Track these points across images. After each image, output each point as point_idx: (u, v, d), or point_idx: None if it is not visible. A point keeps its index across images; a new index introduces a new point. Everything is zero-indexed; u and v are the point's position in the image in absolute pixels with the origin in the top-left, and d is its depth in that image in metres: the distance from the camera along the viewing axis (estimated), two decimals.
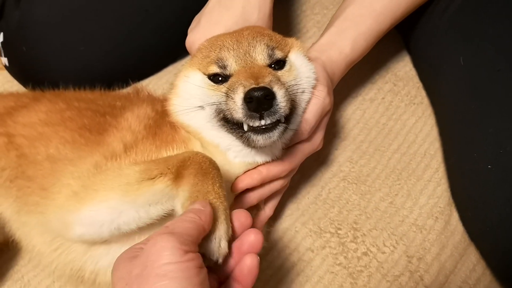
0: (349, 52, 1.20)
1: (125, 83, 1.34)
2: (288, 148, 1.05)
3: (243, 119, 0.88)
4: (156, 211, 0.88)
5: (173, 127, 1.03)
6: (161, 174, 0.87)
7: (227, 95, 0.91)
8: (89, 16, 1.33)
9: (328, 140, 1.36)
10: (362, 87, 1.48)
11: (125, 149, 0.98)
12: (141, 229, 0.90)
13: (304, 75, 1.02)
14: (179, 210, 0.84)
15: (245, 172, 1.01)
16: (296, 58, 1.03)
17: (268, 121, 0.88)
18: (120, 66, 1.37)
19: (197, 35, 1.13)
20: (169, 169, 0.87)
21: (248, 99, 0.86)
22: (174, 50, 1.49)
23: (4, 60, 1.39)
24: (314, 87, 1.05)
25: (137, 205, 0.87)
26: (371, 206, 1.25)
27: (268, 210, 1.11)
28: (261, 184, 1.03)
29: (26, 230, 1.00)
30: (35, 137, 1.03)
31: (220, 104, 0.93)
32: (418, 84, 1.48)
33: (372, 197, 1.26)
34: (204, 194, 0.83)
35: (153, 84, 1.47)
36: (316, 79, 1.05)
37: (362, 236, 1.20)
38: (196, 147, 1.00)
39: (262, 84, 0.87)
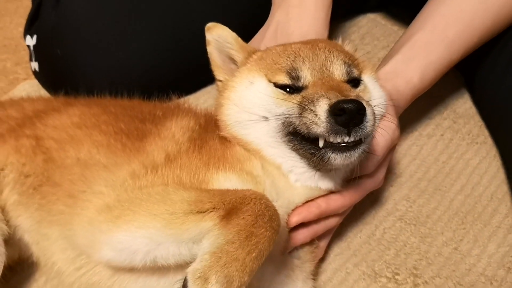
0: (417, 82, 1.10)
1: (164, 96, 1.22)
2: (349, 182, 0.94)
3: (326, 134, 0.78)
4: (199, 250, 0.73)
5: (223, 142, 0.91)
6: (213, 208, 0.73)
7: (303, 106, 0.80)
8: (131, 21, 1.23)
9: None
10: (418, 122, 1.36)
11: (168, 160, 0.86)
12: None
13: (376, 101, 0.92)
14: (198, 254, 0.70)
15: (304, 203, 0.90)
16: (369, 81, 0.94)
17: (353, 138, 0.77)
18: (159, 78, 1.26)
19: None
20: (224, 204, 0.74)
21: (338, 111, 0.75)
22: None
23: (34, 65, 1.30)
24: (383, 117, 0.95)
25: (180, 240, 0.74)
26: (432, 251, 1.11)
27: (321, 246, 1.00)
28: (316, 220, 0.92)
29: (46, 245, 0.87)
30: (65, 140, 0.92)
31: (290, 116, 0.82)
32: (480, 123, 1.37)
33: (434, 241, 1.12)
34: (229, 261, 0.68)
35: (189, 103, 1.36)
36: (386, 109, 0.96)
37: (423, 284, 1.05)
38: (255, 169, 0.88)
39: (352, 97, 0.77)
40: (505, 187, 1.22)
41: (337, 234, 1.11)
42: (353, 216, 1.14)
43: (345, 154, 0.79)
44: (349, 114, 0.75)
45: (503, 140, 1.26)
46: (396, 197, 1.20)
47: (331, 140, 0.78)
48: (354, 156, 0.80)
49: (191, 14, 1.27)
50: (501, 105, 1.24)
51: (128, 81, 1.22)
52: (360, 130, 0.78)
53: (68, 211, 0.83)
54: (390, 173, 1.24)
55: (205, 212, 0.73)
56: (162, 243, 0.74)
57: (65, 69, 1.22)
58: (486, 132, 1.34)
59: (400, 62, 1.11)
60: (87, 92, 1.13)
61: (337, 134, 0.77)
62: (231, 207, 0.73)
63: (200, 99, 1.38)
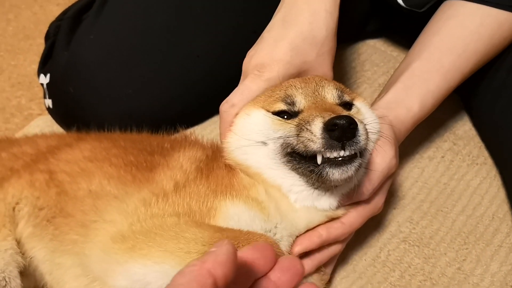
0: (417, 110, 1.13)
1: (171, 129, 1.26)
2: (348, 210, 0.97)
3: (321, 149, 0.83)
4: None
5: (230, 171, 0.96)
6: None
7: (300, 127, 0.86)
8: (139, 59, 1.29)
9: (385, 198, 1.25)
10: (419, 145, 1.39)
11: (176, 188, 0.90)
12: None
13: (368, 120, 0.95)
14: None
15: (306, 231, 0.93)
16: (361, 106, 0.99)
17: (348, 152, 0.83)
18: (166, 111, 1.31)
19: (259, 51, 1.03)
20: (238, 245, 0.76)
21: (331, 126, 0.81)
22: (222, 99, 1.42)
23: (48, 102, 1.35)
24: (380, 146, 0.98)
25: None
26: (436, 272, 1.13)
27: (326, 272, 1.03)
28: (319, 249, 0.95)
29: (60, 274, 0.91)
30: (77, 173, 0.97)
31: (288, 137, 0.88)
32: (480, 144, 1.39)
33: (437, 262, 1.14)
34: None
35: (197, 133, 1.39)
36: (384, 137, 0.99)
37: None
38: (260, 194, 0.92)
39: (344, 113, 0.83)
40: (506, 207, 1.24)
41: (342, 257, 1.13)
42: (357, 239, 1.17)
43: (342, 168, 0.84)
44: (341, 129, 0.81)
45: (502, 160, 1.29)
46: (400, 219, 1.23)
47: (328, 155, 0.83)
48: (351, 169, 0.84)
49: (196, 54, 1.32)
50: (497, 127, 1.27)
51: (137, 116, 1.27)
52: (354, 143, 0.83)
53: (81, 240, 0.87)
54: (392, 196, 1.26)
55: None
56: None
57: (77, 106, 1.28)
58: (486, 153, 1.36)
59: (400, 91, 1.14)
60: (98, 127, 1.19)
61: (332, 148, 0.82)
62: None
63: (207, 129, 1.42)
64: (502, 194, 1.27)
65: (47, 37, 1.40)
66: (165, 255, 0.77)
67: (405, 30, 1.55)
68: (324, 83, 0.96)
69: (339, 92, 0.94)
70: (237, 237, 0.77)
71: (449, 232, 1.20)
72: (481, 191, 1.28)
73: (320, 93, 0.93)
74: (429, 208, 1.25)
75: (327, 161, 0.84)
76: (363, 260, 1.15)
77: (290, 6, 1.06)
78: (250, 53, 1.06)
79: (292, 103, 0.92)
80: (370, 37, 1.70)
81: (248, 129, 0.94)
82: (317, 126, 0.83)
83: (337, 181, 0.86)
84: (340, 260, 1.13)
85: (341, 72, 1.62)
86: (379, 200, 1.03)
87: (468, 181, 1.30)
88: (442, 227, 1.21)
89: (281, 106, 0.92)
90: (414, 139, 1.37)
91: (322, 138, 0.82)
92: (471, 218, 1.23)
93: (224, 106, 1.01)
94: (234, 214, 0.87)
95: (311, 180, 0.88)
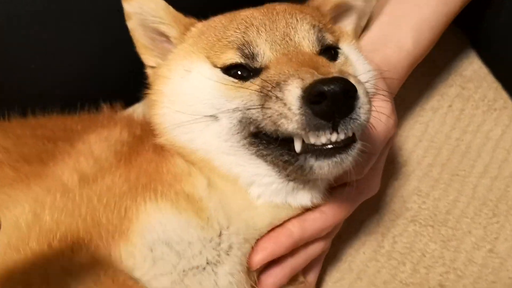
0: (412, 47, 0.94)
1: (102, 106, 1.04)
2: (331, 192, 0.77)
3: (301, 132, 0.62)
4: None
5: (159, 153, 0.77)
6: None
7: (266, 94, 0.64)
8: (43, 24, 1.06)
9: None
10: (418, 94, 1.19)
11: (83, 183, 0.73)
12: None
13: (361, 77, 0.74)
14: None
15: (268, 230, 0.74)
16: (349, 51, 0.79)
17: (342, 136, 0.62)
18: (87, 87, 1.11)
19: None
20: None
21: (315, 97, 0.60)
22: None
23: None
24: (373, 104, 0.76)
25: None
26: (461, 259, 0.95)
27: (310, 282, 0.84)
28: (292, 252, 0.77)
29: None
30: None
31: (249, 109, 0.67)
32: (495, 84, 1.19)
33: (461, 245, 0.97)
34: None
35: (139, 112, 1.15)
36: (375, 89, 0.80)
37: None
38: (198, 189, 0.72)
39: (334, 74, 0.61)
40: None
41: (333, 252, 0.95)
42: (351, 225, 0.99)
43: (334, 159, 0.63)
44: (332, 100, 0.59)
45: None
46: (404, 193, 1.04)
47: (312, 141, 0.62)
48: (347, 160, 0.64)
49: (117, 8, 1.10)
50: None
51: (49, 95, 1.08)
52: (352, 121, 0.61)
53: None
54: (392, 163, 1.07)
55: None
56: None
57: None
58: (504, 95, 1.17)
59: (386, 24, 0.95)
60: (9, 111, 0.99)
61: (318, 130, 0.61)
62: None
63: None
64: None
65: None
66: None
67: None
68: (297, 20, 0.73)
69: (318, 33, 0.73)
70: None
71: (471, 202, 1.02)
72: (505, 143, 1.10)
73: (292, 38, 0.71)
74: (440, 174, 1.07)
75: (311, 149, 0.63)
76: (360, 253, 0.98)
77: None
78: None
79: (252, 56, 0.70)
80: None
81: (188, 95, 0.72)
82: (293, 94, 0.61)
83: (326, 175, 0.67)
84: (331, 257, 0.95)
85: None
86: (374, 177, 0.85)
87: (487, 133, 1.12)
88: (461, 196, 1.03)
89: (235, 58, 0.70)
90: (412, 87, 1.18)
91: (302, 114, 0.60)
92: (497, 180, 1.04)
93: None
94: (157, 223, 0.68)
95: (285, 171, 0.69)
